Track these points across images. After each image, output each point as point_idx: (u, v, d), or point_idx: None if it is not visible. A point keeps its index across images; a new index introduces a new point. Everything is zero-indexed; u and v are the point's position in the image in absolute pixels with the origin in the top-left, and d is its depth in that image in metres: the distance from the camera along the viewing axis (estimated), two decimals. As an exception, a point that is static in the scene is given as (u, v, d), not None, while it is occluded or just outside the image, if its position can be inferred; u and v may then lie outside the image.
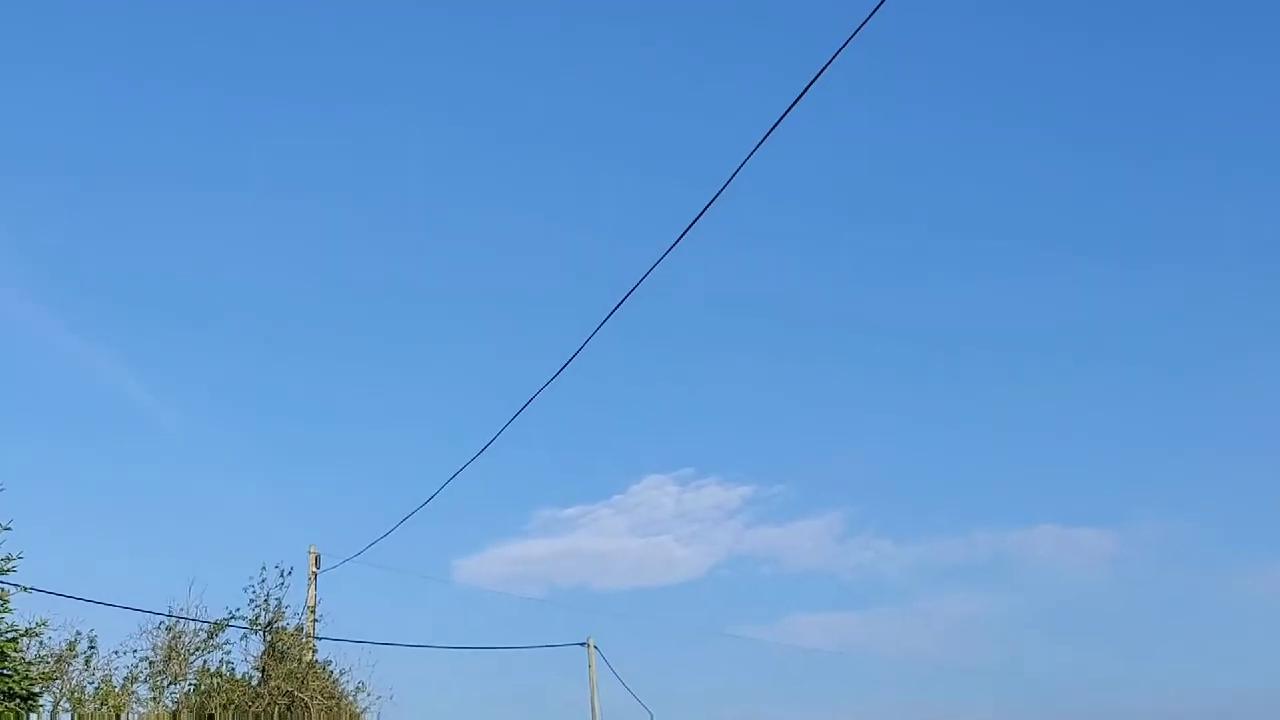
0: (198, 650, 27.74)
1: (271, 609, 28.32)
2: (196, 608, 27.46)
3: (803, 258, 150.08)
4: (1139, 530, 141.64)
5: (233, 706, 27.47)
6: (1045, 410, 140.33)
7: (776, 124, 12.02)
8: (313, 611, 31.27)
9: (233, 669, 28.79)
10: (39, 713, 24.24)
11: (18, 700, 23.17)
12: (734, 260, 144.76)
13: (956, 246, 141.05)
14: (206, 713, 27.20)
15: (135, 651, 26.80)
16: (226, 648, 28.27)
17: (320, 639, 30.60)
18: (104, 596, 24.22)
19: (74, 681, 25.90)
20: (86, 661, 26.46)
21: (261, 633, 28.39)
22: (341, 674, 29.69)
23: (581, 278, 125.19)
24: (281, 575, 28.58)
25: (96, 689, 26.36)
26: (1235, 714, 76.70)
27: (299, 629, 29.51)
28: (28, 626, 23.50)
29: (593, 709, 49.14)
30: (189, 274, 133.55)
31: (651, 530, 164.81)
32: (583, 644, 49.96)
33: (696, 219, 14.29)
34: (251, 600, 28.23)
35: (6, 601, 22.25)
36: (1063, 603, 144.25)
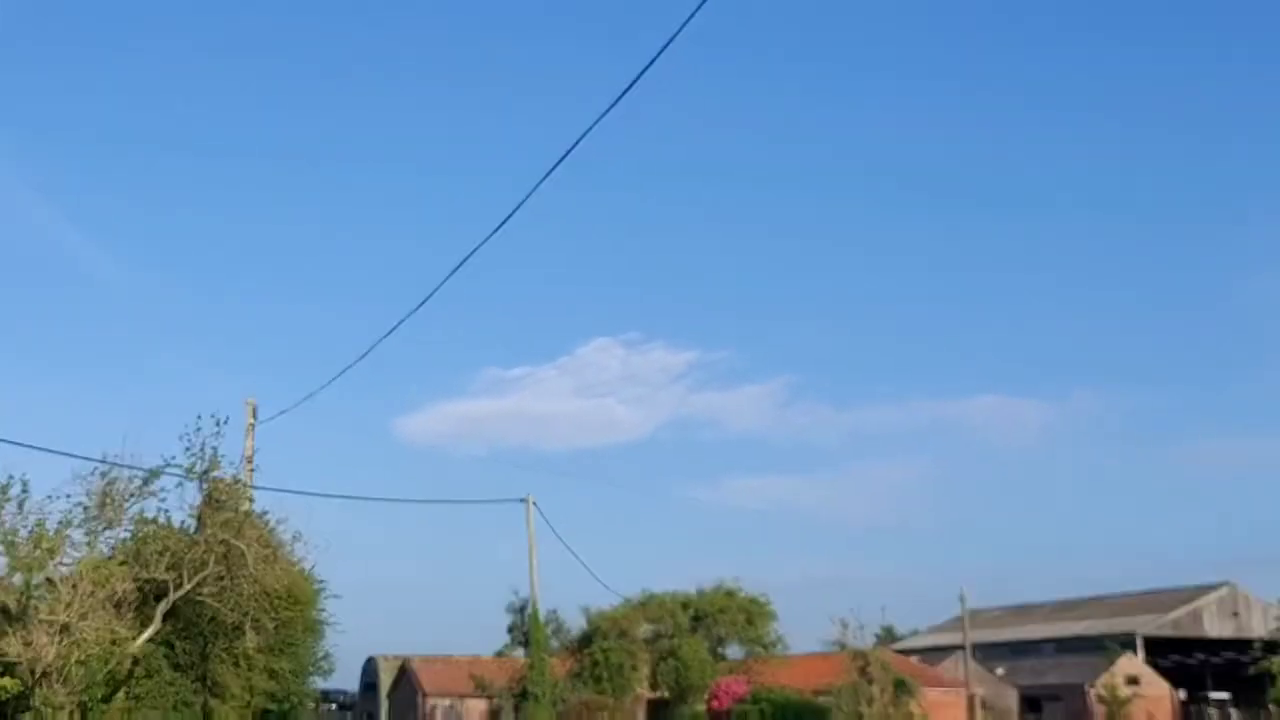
0: (132, 497, 27.73)
1: (207, 458, 28.30)
2: (132, 456, 27.36)
3: (753, 116, 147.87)
4: (1076, 402, 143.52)
5: (169, 554, 27.63)
6: (987, 281, 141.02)
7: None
8: (250, 462, 31.29)
9: (169, 517, 28.88)
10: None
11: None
12: (683, 122, 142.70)
13: (923, 95, 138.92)
14: (143, 559, 27.36)
15: (69, 497, 26.73)
16: (162, 495, 28.32)
17: (257, 489, 30.71)
18: (36, 442, 24.08)
19: (6, 525, 25.82)
20: (20, 506, 26.35)
21: (197, 481, 28.40)
22: (278, 524, 29.88)
23: (528, 130, 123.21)
24: (218, 425, 28.46)
25: (30, 533, 26.30)
26: (1164, 579, 79.83)
27: (235, 479, 29.53)
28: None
29: (530, 564, 50.02)
30: (131, 116, 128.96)
31: (596, 392, 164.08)
32: (521, 500, 50.62)
33: (639, 76, 14.04)
34: (188, 449, 28.19)
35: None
36: (998, 471, 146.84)
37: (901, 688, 43.33)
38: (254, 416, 33.28)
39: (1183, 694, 69.87)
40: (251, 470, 31.07)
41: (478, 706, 56.63)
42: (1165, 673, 70.03)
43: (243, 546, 27.62)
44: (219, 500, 28.54)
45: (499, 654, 53.12)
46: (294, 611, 29.97)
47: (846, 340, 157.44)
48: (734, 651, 51.87)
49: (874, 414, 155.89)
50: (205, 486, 28.57)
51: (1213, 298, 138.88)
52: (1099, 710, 46.71)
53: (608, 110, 15.12)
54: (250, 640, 28.21)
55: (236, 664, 28.89)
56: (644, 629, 51.41)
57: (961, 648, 69.52)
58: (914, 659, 69.42)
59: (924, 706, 47.03)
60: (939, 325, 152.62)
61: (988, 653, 76.81)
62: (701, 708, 33.58)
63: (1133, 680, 62.95)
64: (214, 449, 28.21)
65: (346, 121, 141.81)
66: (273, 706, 30.34)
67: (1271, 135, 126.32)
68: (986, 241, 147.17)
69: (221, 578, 27.63)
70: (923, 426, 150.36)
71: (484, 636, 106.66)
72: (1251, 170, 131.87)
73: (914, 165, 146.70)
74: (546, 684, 48.02)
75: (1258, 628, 64.00)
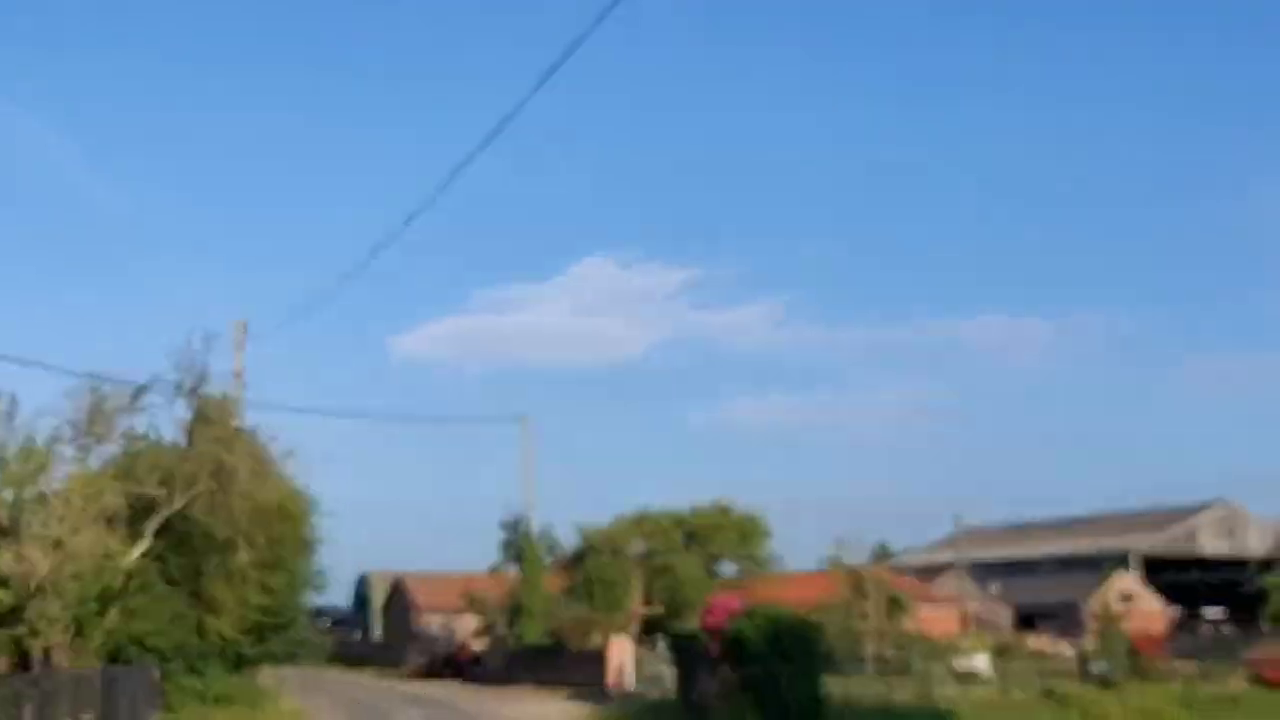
0: (122, 413, 27.55)
1: (197, 374, 28.08)
2: (122, 372, 27.19)
3: (756, 26, 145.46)
4: (1077, 321, 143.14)
5: (159, 470, 27.55)
6: (993, 201, 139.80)
7: None
8: (239, 378, 31.13)
9: (159, 434, 28.78)
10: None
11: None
12: (682, 32, 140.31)
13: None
14: (133, 475, 27.28)
15: (59, 413, 26.54)
16: (152, 411, 28.16)
17: (249, 405, 30.58)
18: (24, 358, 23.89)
19: (-4, 440, 25.65)
20: (9, 421, 26.17)
21: (187, 397, 28.22)
22: (270, 441, 29.77)
23: (527, 41, 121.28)
24: (208, 342, 28.19)
25: (20, 448, 26.16)
26: (1161, 498, 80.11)
27: (225, 396, 29.38)
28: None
29: (525, 482, 50.24)
30: (119, 34, 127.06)
31: (593, 310, 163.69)
32: (517, 419, 50.67)
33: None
34: (178, 365, 27.94)
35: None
36: (1001, 390, 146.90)
37: (895, 604, 43.67)
38: (245, 334, 33.06)
39: (1177, 611, 70.58)
40: (242, 387, 30.94)
41: (471, 622, 57.18)
42: (1160, 590, 70.68)
43: (234, 463, 27.52)
44: (209, 417, 28.39)
45: (492, 571, 53.47)
46: (286, 528, 29.99)
47: (848, 259, 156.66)
48: (728, 569, 52.21)
49: (874, 333, 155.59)
50: (195, 403, 28.41)
51: (1214, 216, 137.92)
52: (1093, 627, 47.05)
53: (601, 18, 14.62)
54: (242, 556, 28.22)
55: (229, 579, 28.93)
56: (638, 546, 51.66)
57: (957, 565, 70.12)
58: (909, 577, 70.04)
59: (917, 622, 47.45)
60: (941, 244, 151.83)
61: (984, 570, 77.47)
62: (694, 623, 33.82)
63: (1127, 598, 63.48)
64: (204, 365, 28.02)
65: (340, 33, 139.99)
66: (266, 621, 30.49)
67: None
68: (989, 161, 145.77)
69: (213, 494, 27.55)
70: (924, 345, 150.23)
71: (478, 554, 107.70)
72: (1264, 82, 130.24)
73: (917, 79, 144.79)
74: (539, 600, 48.41)
75: (1253, 546, 64.51)
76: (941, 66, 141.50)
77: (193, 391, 28.12)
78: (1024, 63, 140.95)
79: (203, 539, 28.72)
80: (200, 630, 29.08)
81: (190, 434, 28.58)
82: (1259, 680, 36.02)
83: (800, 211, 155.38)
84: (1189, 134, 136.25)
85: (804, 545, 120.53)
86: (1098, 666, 38.72)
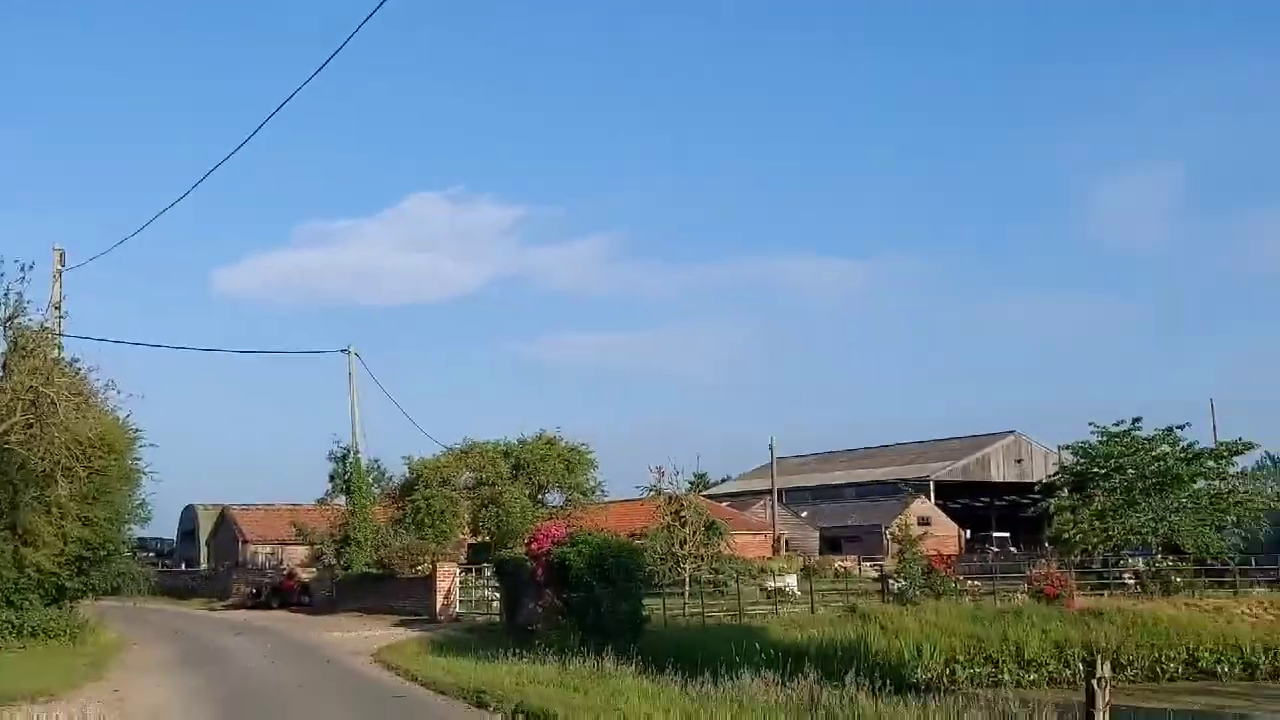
0: (-73, 343, 26.68)
1: (12, 304, 27.28)
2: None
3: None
4: (885, 262, 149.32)
5: (-27, 401, 26.79)
6: (812, 143, 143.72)
7: None
8: (58, 309, 30.35)
9: (-27, 366, 27.89)
10: None
11: None
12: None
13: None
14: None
15: None
16: (-37, 342, 27.26)
17: (68, 338, 29.88)
18: None
19: None
20: None
21: (2, 328, 27.42)
22: (89, 372, 29.19)
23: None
24: (23, 270, 27.37)
25: None
26: (958, 429, 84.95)
27: (43, 326, 28.63)
28: None
29: (352, 414, 50.15)
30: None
31: (421, 246, 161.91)
32: (344, 351, 50.41)
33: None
34: (-10, 295, 27.06)
35: None
36: (812, 327, 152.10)
37: (712, 529, 45.62)
38: (62, 263, 32.15)
39: (969, 533, 75.50)
40: (60, 318, 30.15)
41: (299, 552, 57.01)
42: (954, 514, 75.41)
43: (52, 394, 26.92)
44: (25, 348, 27.64)
45: (320, 502, 53.35)
46: (108, 460, 29.53)
47: (674, 199, 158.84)
48: (554, 499, 53.48)
49: (699, 272, 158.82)
50: (9, 333, 27.62)
51: (1012, 165, 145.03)
52: (892, 548, 50.19)
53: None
54: (61, 488, 27.76)
55: (49, 512, 28.44)
56: (466, 477, 52.33)
57: (769, 493, 73.23)
58: (725, 504, 72.81)
59: (733, 547, 49.71)
60: (762, 187, 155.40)
61: (794, 497, 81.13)
62: (521, 550, 34.88)
63: (924, 521, 67.57)
64: (19, 295, 27.21)
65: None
66: (87, 554, 30.10)
67: None
68: (807, 109, 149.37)
69: (30, 425, 26.96)
70: (744, 284, 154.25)
71: (306, 488, 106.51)
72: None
73: (744, 28, 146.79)
74: (368, 529, 48.68)
75: (1039, 472, 69.27)
76: (769, 10, 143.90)
77: (8, 322, 27.32)
78: (844, 10, 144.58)
79: (20, 471, 28.07)
80: (18, 563, 28.56)
81: (4, 365, 27.80)
82: (1039, 595, 39.26)
83: (630, 150, 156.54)
84: (995, 79, 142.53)
85: (628, 475, 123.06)
86: (896, 585, 41.42)
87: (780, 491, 75.90)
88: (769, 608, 39.81)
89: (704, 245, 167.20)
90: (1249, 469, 64.98)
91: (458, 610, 40.85)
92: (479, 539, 52.74)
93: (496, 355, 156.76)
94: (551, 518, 44.72)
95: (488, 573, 43.32)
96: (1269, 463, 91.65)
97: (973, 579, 47.20)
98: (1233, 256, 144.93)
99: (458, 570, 43.48)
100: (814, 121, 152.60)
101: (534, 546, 29.69)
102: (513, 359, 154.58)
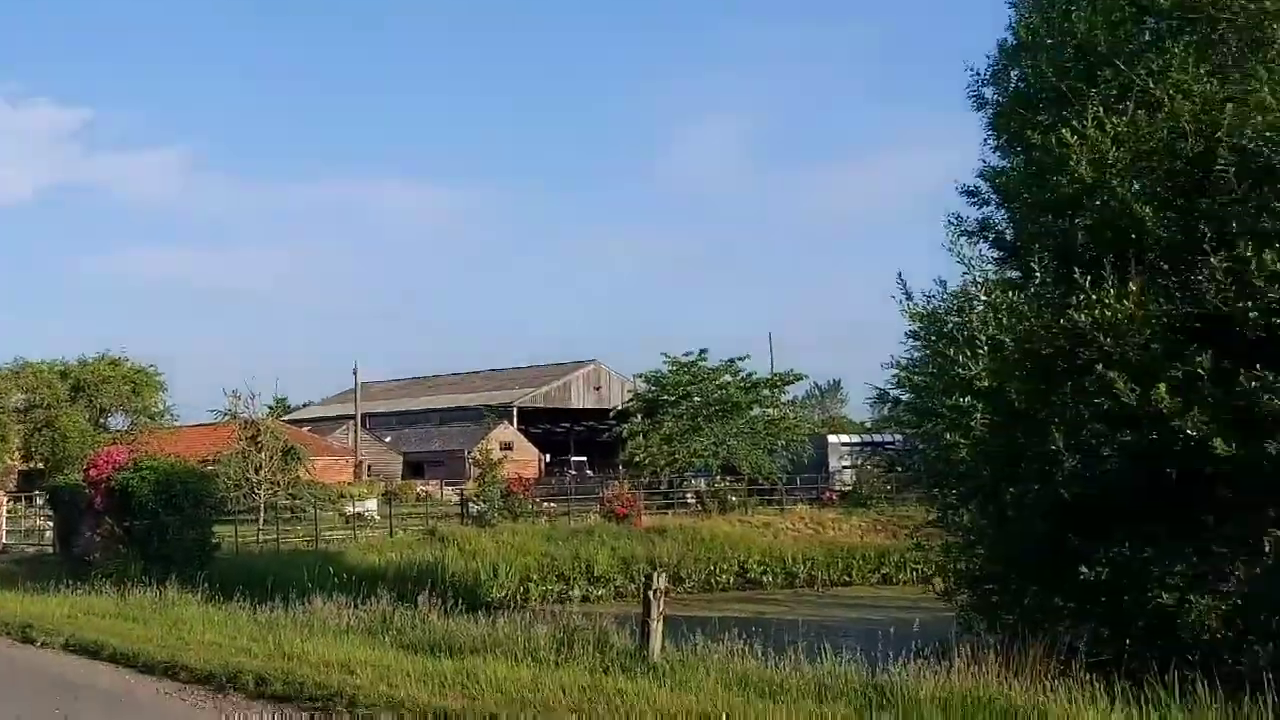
0: None
1: None
2: None
3: None
4: (475, 191, 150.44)
5: None
6: (401, 70, 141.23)
7: None
8: None
9: None
10: None
11: None
12: None
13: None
14: None
15: None
16: None
17: None
18: None
19: None
20: None
21: None
22: None
23: None
24: None
25: None
26: (542, 356, 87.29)
27: None
28: None
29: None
30: None
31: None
32: None
33: None
34: None
35: None
36: (401, 252, 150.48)
37: (290, 455, 44.65)
38: None
39: (549, 458, 78.33)
40: None
41: None
42: (535, 439, 77.88)
43: None
44: None
45: None
46: None
47: (259, 112, 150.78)
48: (118, 423, 50.21)
49: (285, 191, 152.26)
50: None
51: (607, 110, 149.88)
52: (474, 472, 51.23)
53: None
54: None
55: None
56: (17, 399, 48.14)
57: (353, 418, 72.39)
58: (307, 429, 71.22)
59: (312, 472, 48.87)
60: (354, 107, 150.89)
61: (378, 422, 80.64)
62: (77, 476, 32.53)
63: (506, 446, 69.39)
64: None
65: None
66: None
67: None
68: (389, 30, 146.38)
69: None
70: (334, 206, 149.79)
71: None
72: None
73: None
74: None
75: (616, 399, 72.82)
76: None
77: None
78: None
79: None
80: None
81: None
82: (611, 515, 41.71)
83: (212, 53, 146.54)
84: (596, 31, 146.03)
85: (205, 399, 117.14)
86: (476, 508, 42.50)
87: (365, 417, 75.09)
88: (348, 533, 39.66)
89: (292, 162, 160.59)
90: (799, 398, 71.86)
91: (4, 541, 37.60)
92: (31, 465, 48.66)
93: (57, 270, 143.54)
94: (115, 443, 41.97)
95: (40, 501, 40.13)
96: (817, 392, 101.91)
97: (550, 501, 49.25)
98: (793, 203, 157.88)
99: (4, 498, 39.97)
100: (395, 42, 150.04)
101: (93, 473, 27.86)
102: (76, 274, 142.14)
